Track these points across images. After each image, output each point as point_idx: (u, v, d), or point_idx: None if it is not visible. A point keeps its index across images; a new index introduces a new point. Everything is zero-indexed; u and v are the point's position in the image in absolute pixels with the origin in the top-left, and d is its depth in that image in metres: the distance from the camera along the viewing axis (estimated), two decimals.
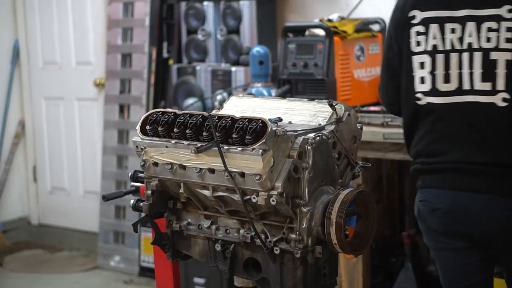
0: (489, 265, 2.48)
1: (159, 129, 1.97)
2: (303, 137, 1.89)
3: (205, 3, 4.57)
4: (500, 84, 2.31)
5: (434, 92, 2.38)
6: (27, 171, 5.92)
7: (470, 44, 2.35)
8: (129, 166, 5.09)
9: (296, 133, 1.89)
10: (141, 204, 2.10)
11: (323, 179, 1.93)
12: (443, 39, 2.37)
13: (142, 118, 2.02)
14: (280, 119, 1.97)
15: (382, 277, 3.93)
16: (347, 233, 1.91)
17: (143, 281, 4.91)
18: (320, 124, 2.00)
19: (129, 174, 2.24)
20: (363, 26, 3.89)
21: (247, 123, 1.85)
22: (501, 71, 2.31)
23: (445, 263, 2.46)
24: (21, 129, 5.85)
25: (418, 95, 2.40)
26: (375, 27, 4.03)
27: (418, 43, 2.41)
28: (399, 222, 4.15)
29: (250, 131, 1.83)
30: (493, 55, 2.32)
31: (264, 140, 1.79)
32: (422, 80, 2.40)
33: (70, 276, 5.12)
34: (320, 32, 3.77)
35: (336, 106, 2.03)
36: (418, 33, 2.40)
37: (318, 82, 3.71)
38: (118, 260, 5.15)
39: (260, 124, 1.83)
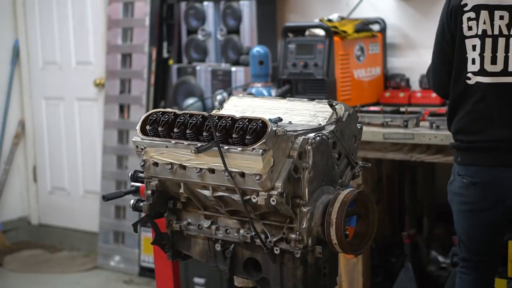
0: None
1: (159, 129, 1.97)
2: (303, 137, 1.89)
3: (205, 3, 4.57)
4: None
5: (482, 72, 2.59)
6: (27, 171, 5.92)
7: None
8: (129, 166, 5.09)
9: (296, 133, 1.89)
10: (141, 204, 2.10)
11: (323, 179, 1.93)
12: (492, 25, 2.55)
13: (142, 118, 2.02)
14: (280, 119, 1.97)
15: (382, 277, 3.93)
16: (347, 233, 1.91)
17: (143, 281, 4.90)
18: (320, 124, 2.00)
19: (129, 174, 2.24)
20: (363, 26, 3.89)
21: (247, 123, 1.85)
22: None
23: (472, 220, 2.66)
24: (21, 129, 5.85)
25: (469, 74, 2.62)
26: (375, 27, 4.02)
27: (470, 28, 2.61)
28: (399, 222, 4.15)
29: (250, 131, 1.83)
30: None
31: (264, 140, 1.79)
32: (473, 61, 2.61)
33: (70, 276, 5.11)
34: (320, 32, 3.77)
35: (336, 106, 2.03)
36: (469, 19, 2.58)
37: (318, 82, 3.71)
38: (118, 260, 5.15)
39: (260, 124, 1.83)
